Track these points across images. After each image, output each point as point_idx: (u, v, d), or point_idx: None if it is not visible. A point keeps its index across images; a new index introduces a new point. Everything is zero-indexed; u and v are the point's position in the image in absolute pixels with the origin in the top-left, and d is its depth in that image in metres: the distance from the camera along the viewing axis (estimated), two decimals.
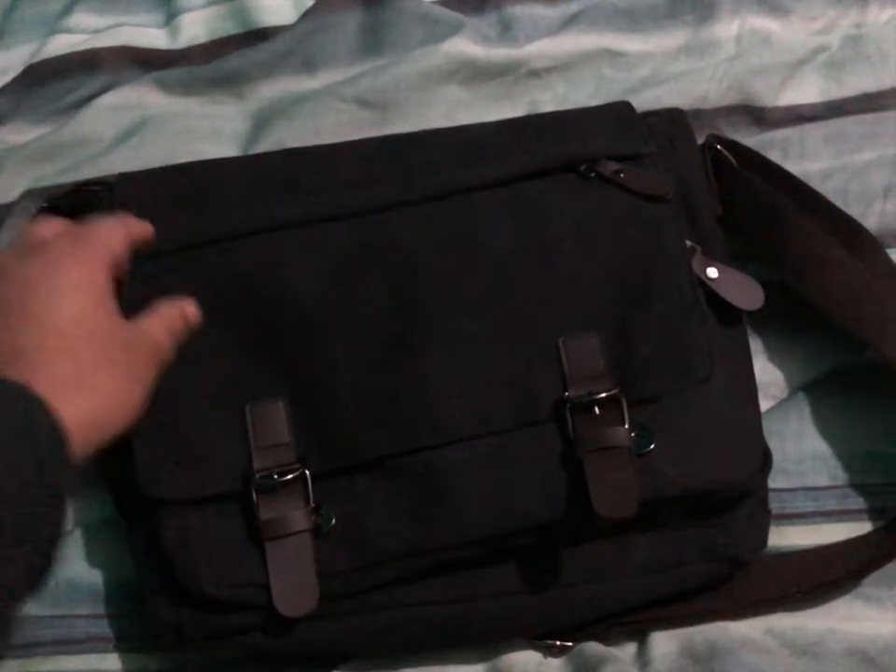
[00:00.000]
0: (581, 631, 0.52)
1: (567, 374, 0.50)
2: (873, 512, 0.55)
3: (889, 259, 0.57)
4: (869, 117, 0.65)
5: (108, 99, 0.69)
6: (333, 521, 0.50)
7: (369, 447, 0.50)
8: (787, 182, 0.60)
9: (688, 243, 0.55)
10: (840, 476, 0.56)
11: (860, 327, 0.54)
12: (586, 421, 0.49)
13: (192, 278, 0.53)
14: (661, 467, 0.49)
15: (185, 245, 0.54)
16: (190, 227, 0.54)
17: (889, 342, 0.54)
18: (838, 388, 0.58)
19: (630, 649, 0.54)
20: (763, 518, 0.53)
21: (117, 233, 0.49)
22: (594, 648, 0.52)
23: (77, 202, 0.57)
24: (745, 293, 0.55)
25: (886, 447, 0.56)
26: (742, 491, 0.50)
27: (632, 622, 0.53)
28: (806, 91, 0.67)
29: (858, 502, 0.55)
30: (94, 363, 0.42)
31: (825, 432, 0.57)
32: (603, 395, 0.49)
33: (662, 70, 0.67)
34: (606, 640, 0.53)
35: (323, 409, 0.51)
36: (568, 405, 0.50)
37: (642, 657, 0.53)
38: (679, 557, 0.51)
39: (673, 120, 0.60)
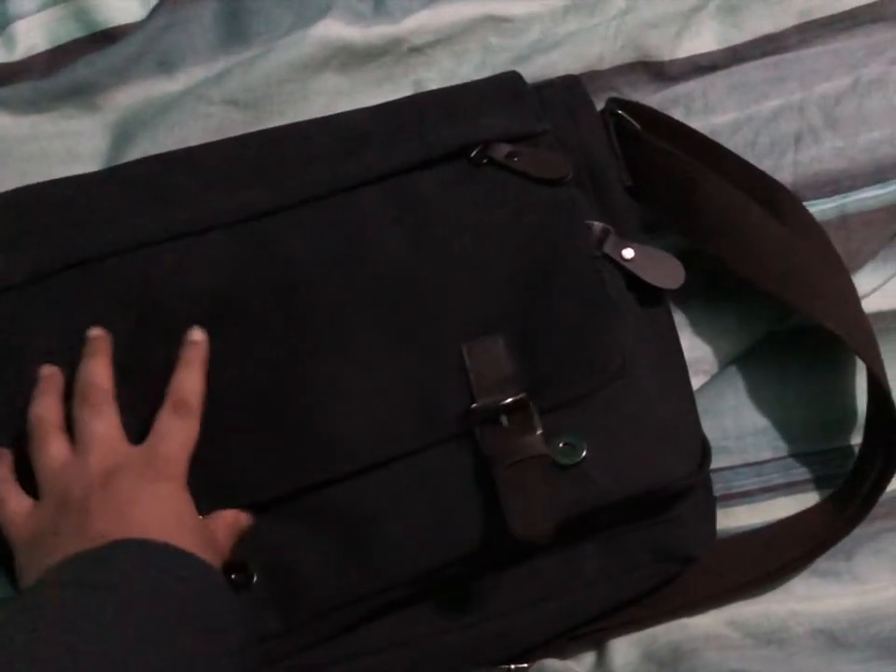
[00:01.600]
0: (536, 650, 0.50)
1: (473, 383, 0.47)
2: (819, 481, 0.54)
3: (809, 216, 0.55)
4: (771, 61, 0.63)
5: None
6: (255, 577, 0.46)
7: (262, 485, 0.47)
8: (695, 142, 0.57)
9: (599, 224, 0.52)
10: (782, 447, 0.55)
11: (784, 291, 0.53)
12: (495, 432, 0.46)
13: (54, 310, 0.48)
14: (595, 475, 0.46)
15: (39, 273, 0.49)
16: (46, 253, 0.50)
17: (815, 304, 0.52)
18: (771, 356, 0.56)
19: (589, 660, 0.52)
20: (709, 509, 0.51)
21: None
22: (550, 665, 0.50)
23: None
24: (664, 271, 0.53)
25: (824, 411, 0.55)
26: (684, 487, 0.48)
27: (588, 632, 0.51)
28: (704, 40, 0.64)
29: (802, 472, 0.55)
30: None
31: (762, 403, 0.55)
32: (508, 401, 0.46)
33: (551, 32, 0.63)
34: (563, 654, 0.51)
35: (212, 449, 0.47)
36: (476, 416, 0.46)
37: (603, 668, 0.51)
38: (629, 563, 0.49)
39: (569, 89, 0.56)
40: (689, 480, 0.48)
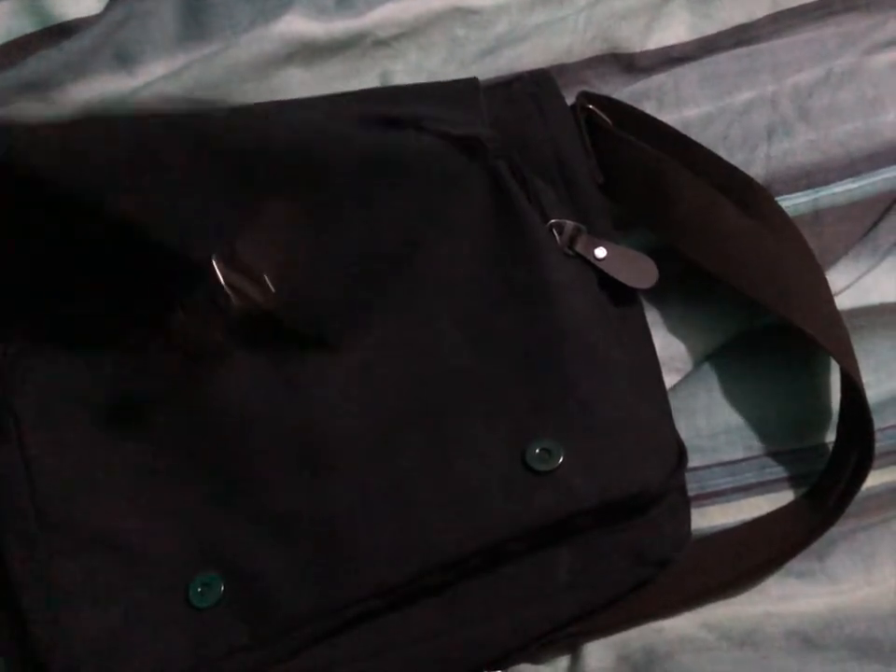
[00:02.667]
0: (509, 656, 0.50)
1: None
2: (793, 480, 0.54)
3: (781, 212, 0.55)
4: (743, 51, 0.62)
5: None
6: (222, 588, 0.46)
7: None
8: (667, 138, 0.57)
9: (570, 223, 0.52)
10: (756, 446, 0.55)
11: (757, 290, 0.52)
12: None
13: None
14: (572, 481, 0.46)
15: None
16: None
17: (788, 303, 0.52)
18: (744, 353, 0.56)
19: (563, 664, 0.52)
20: (684, 511, 0.51)
21: None
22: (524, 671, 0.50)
23: None
24: (637, 271, 0.52)
25: (798, 410, 0.55)
26: (661, 491, 0.48)
27: (562, 637, 0.50)
28: (676, 30, 0.64)
29: (777, 472, 0.54)
30: None
31: (735, 402, 0.55)
32: None
33: (519, 24, 0.63)
34: (536, 660, 0.51)
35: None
36: None
37: (576, 671, 0.51)
38: (604, 567, 0.49)
39: (539, 84, 0.56)
40: (665, 483, 0.48)
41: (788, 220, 0.55)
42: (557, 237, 0.51)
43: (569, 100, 0.58)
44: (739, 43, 0.63)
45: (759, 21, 0.63)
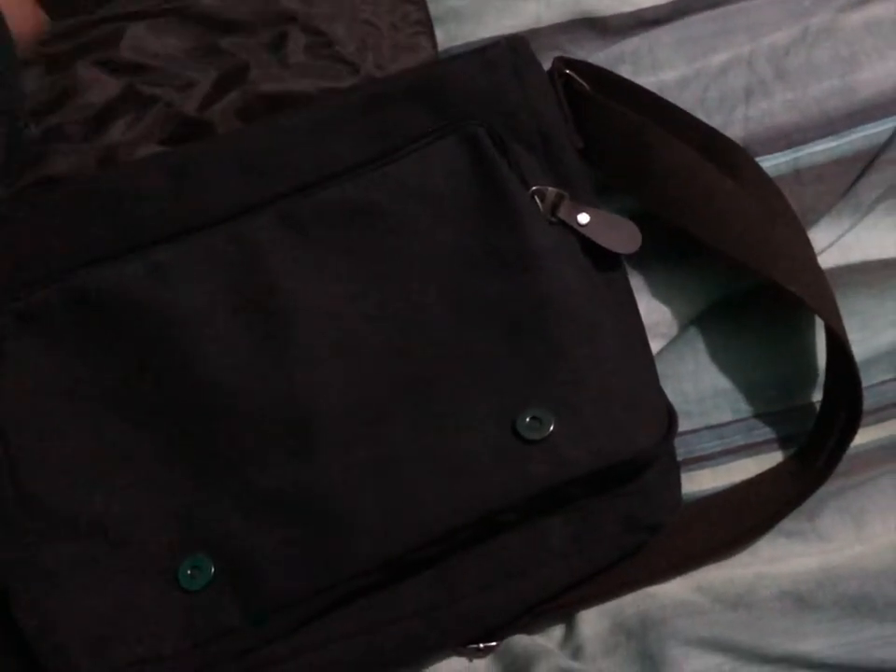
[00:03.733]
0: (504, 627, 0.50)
1: None
2: (781, 441, 0.55)
3: (763, 173, 0.56)
4: (717, 13, 0.63)
5: None
6: (213, 569, 0.45)
7: None
8: (646, 101, 0.57)
9: (553, 189, 0.52)
10: (743, 409, 0.55)
11: (741, 253, 0.53)
12: None
13: None
14: (564, 449, 0.46)
15: None
16: None
17: (773, 265, 0.52)
18: (729, 316, 0.56)
19: (558, 633, 0.52)
20: (674, 476, 0.51)
21: None
22: (520, 642, 0.50)
23: None
24: (620, 236, 0.52)
25: (784, 370, 0.55)
26: (652, 457, 0.48)
27: (556, 606, 0.51)
28: None
29: (765, 433, 0.55)
30: None
31: (722, 365, 0.55)
32: None
33: None
34: (531, 630, 0.51)
35: None
36: None
37: (572, 641, 0.51)
38: (597, 534, 0.49)
39: (514, 50, 0.55)
40: (657, 449, 0.48)
41: (769, 181, 0.55)
42: (540, 204, 0.51)
43: (545, 65, 0.57)
44: (712, 4, 0.63)
45: None
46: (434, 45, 0.60)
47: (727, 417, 0.55)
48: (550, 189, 0.51)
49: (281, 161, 0.51)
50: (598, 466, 0.47)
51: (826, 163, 0.59)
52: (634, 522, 0.49)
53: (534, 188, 0.51)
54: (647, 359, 0.52)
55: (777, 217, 0.54)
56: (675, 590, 0.51)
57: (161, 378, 0.48)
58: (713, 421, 0.55)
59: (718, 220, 0.53)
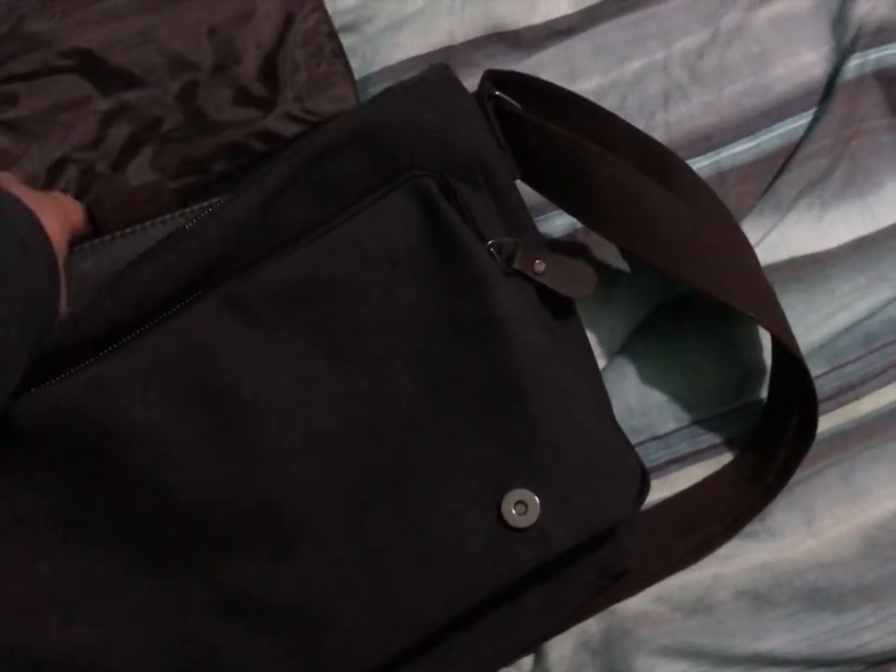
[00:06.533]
0: None
1: None
2: (725, 445, 0.57)
3: (699, 180, 0.56)
4: (627, 20, 0.65)
5: None
6: None
7: None
8: (580, 110, 0.56)
9: (508, 240, 0.49)
10: (685, 416, 0.57)
11: (687, 273, 0.53)
12: None
13: None
14: (551, 528, 0.45)
15: None
16: None
17: (719, 283, 0.53)
18: (667, 326, 0.58)
19: (527, 661, 0.54)
20: (639, 522, 0.51)
21: None
22: None
23: None
24: (576, 279, 0.51)
25: (723, 373, 0.58)
26: (629, 518, 0.48)
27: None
28: (558, 3, 0.66)
29: (709, 438, 0.57)
30: None
31: (663, 376, 0.58)
32: None
33: (398, 14, 0.63)
34: None
35: None
36: None
37: (540, 666, 0.53)
38: (571, 590, 0.49)
39: (443, 82, 0.51)
40: (634, 510, 0.47)
41: (706, 188, 0.56)
42: (497, 257, 0.49)
43: (472, 82, 0.55)
44: (622, 10, 0.65)
45: None
46: (351, 74, 0.61)
47: (671, 426, 0.57)
48: (505, 240, 0.49)
49: (229, 248, 0.48)
50: (581, 539, 0.46)
51: (748, 163, 0.62)
52: (605, 571, 0.50)
53: (490, 242, 0.49)
54: (608, 409, 0.52)
55: (719, 230, 0.55)
56: (634, 603, 0.54)
57: (116, 499, 0.45)
58: (659, 431, 0.57)
59: (663, 242, 0.53)
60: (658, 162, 0.55)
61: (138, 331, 0.46)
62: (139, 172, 0.55)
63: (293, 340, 0.46)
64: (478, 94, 0.53)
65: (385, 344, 0.47)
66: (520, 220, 0.52)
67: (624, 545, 0.49)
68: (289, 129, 0.60)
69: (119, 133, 0.56)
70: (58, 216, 0.48)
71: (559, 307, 0.51)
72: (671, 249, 0.53)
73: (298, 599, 0.45)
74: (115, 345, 0.46)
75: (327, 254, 0.47)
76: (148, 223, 0.51)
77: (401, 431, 0.46)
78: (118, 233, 0.51)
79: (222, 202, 0.48)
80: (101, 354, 0.46)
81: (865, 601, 0.52)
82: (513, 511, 0.45)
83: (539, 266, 0.49)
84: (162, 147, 0.55)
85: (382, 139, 0.49)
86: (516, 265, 0.49)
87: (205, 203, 0.50)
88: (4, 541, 0.45)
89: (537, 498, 0.45)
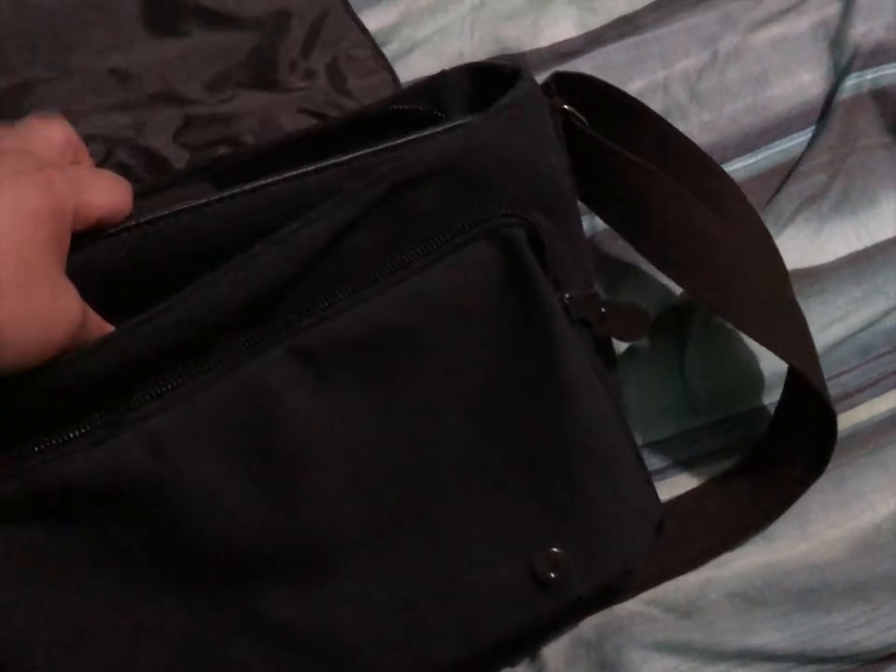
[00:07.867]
0: None
1: None
2: (724, 453, 0.59)
3: (750, 210, 0.58)
4: (629, 42, 0.68)
5: None
6: None
7: None
8: (646, 124, 0.56)
9: (583, 294, 0.48)
10: (685, 423, 0.59)
11: (729, 313, 0.54)
12: None
13: None
14: (574, 583, 0.46)
15: None
16: None
17: (754, 325, 0.54)
18: (670, 331, 0.61)
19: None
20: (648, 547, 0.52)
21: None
22: None
23: None
24: (633, 324, 0.51)
25: (725, 380, 0.60)
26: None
27: None
28: (563, 27, 0.69)
29: (708, 445, 0.59)
30: None
31: (665, 382, 0.60)
32: None
33: (409, 38, 0.67)
34: None
35: None
36: None
37: (535, 662, 0.55)
38: (579, 608, 0.50)
39: (531, 96, 0.47)
40: (649, 551, 0.48)
41: (752, 212, 0.58)
42: (569, 310, 0.47)
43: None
44: (624, 34, 0.69)
45: (641, 11, 0.69)
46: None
47: (670, 432, 0.59)
48: (578, 294, 0.48)
49: (290, 279, 0.44)
50: (601, 586, 0.47)
51: (746, 180, 0.64)
52: (610, 589, 0.50)
53: (567, 296, 0.47)
54: (637, 449, 0.52)
55: (760, 265, 0.55)
56: (628, 604, 0.56)
57: (153, 538, 0.44)
58: (658, 437, 0.59)
59: (707, 277, 0.53)
60: (713, 182, 0.56)
61: (189, 366, 0.43)
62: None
63: (353, 388, 0.45)
64: (549, 106, 0.51)
65: (444, 391, 0.45)
66: (582, 250, 0.51)
67: (632, 568, 0.49)
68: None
69: None
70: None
71: (605, 345, 0.52)
72: (722, 292, 0.53)
73: (323, 630, 0.45)
74: (166, 378, 0.43)
75: (400, 305, 0.45)
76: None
77: (447, 477, 0.45)
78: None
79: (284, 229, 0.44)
80: (153, 390, 0.43)
81: (856, 601, 0.54)
82: (545, 571, 0.45)
83: (602, 314, 0.49)
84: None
85: (469, 170, 0.45)
86: (582, 314, 0.48)
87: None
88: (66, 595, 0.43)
89: (569, 558, 0.45)
